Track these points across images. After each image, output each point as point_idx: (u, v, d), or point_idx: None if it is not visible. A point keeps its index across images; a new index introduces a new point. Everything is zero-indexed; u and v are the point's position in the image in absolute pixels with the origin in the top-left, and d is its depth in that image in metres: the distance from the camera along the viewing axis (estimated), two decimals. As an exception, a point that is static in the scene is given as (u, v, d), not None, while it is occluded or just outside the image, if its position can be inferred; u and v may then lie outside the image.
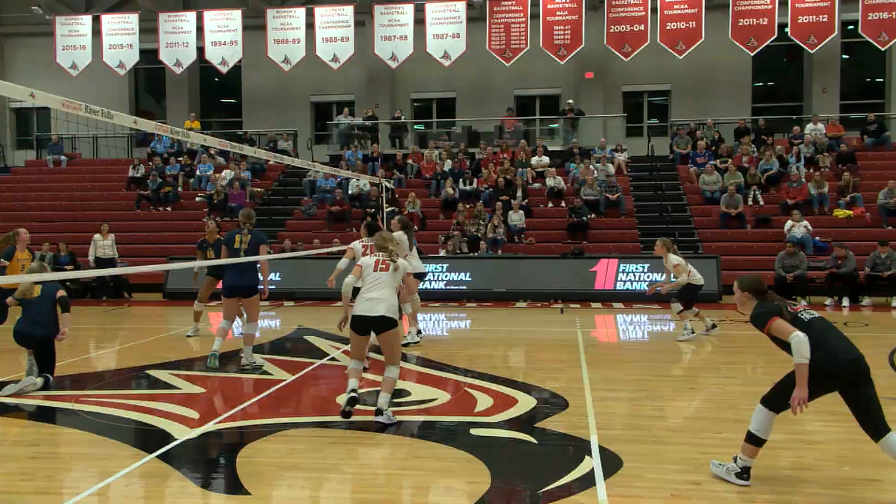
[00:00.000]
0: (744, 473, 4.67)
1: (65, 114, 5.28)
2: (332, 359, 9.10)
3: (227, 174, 20.82)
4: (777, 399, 4.64)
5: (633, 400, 6.98)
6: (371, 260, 6.35)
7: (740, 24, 21.36)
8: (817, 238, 16.17)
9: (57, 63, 23.67)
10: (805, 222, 16.31)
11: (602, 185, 18.86)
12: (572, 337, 10.81)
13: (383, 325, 6.04)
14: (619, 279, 15.46)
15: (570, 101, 22.81)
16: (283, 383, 7.68)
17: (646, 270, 15.45)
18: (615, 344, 11.20)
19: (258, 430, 5.93)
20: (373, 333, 6.19)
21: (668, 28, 21.64)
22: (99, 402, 6.93)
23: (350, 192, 19.85)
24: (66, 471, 5.10)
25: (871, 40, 21.00)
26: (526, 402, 6.75)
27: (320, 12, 22.99)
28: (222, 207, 19.79)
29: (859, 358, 4.48)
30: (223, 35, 23.31)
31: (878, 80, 23.66)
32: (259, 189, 21.29)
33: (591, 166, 19.52)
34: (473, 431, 5.87)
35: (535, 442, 5.62)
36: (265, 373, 8.24)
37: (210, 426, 6.05)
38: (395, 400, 6.87)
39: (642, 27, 21.72)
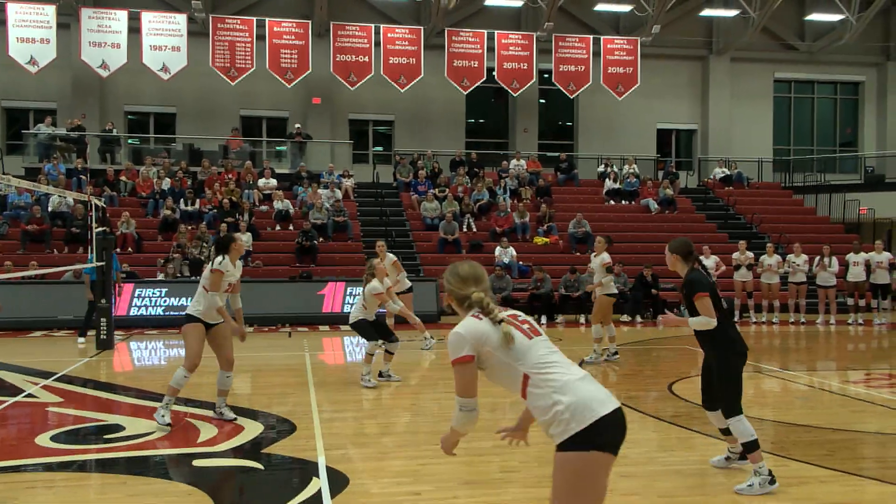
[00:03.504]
0: (770, 477, 4.91)
1: None
2: (30, 395, 8.13)
3: None
4: (733, 399, 5.04)
5: (358, 419, 7.21)
6: None
7: (455, 64, 23.20)
8: (521, 262, 18.02)
9: None
10: (511, 248, 18.09)
11: (330, 209, 19.18)
12: (301, 361, 10.83)
13: None
14: (346, 301, 15.80)
15: (298, 125, 22.92)
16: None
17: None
18: (343, 366, 11.43)
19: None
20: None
21: (390, 62, 22.78)
22: None
23: (50, 209, 17.89)
24: None
25: (562, 88, 24.07)
26: (252, 429, 6.64)
27: (14, 8, 20.59)
28: None
29: None
30: None
31: (568, 123, 27.10)
32: (-67, 204, 18.28)
33: (319, 190, 19.76)
34: (196, 462, 5.64)
35: (262, 468, 5.56)
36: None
37: None
38: (107, 436, 6.37)
39: (367, 59, 22.61)
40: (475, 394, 3.09)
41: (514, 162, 22.90)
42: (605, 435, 2.82)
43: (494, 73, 23.51)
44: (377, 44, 22.66)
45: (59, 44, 20.82)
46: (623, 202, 22.23)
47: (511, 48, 23.62)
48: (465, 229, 19.60)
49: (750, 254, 16.79)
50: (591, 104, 25.65)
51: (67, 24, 21.27)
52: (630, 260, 17.48)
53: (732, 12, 24.96)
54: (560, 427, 2.84)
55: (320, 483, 5.13)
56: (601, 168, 23.66)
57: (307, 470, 5.47)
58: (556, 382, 2.91)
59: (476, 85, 23.47)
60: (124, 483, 5.19)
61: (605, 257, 10.23)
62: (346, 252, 18.62)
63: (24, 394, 8.19)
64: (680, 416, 7.27)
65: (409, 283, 12.34)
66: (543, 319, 15.94)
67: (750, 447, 4.93)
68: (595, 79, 23.98)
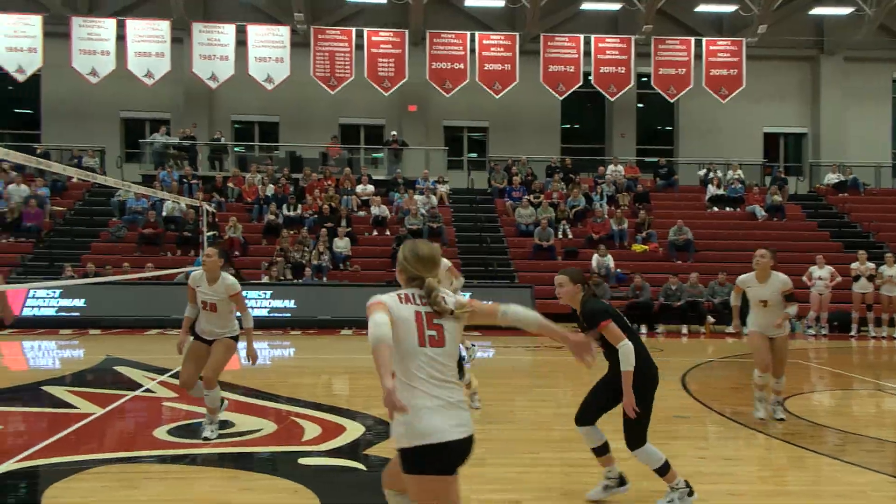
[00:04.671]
0: (689, 489, 4.74)
1: None
2: (148, 390, 8.60)
3: (19, 190, 18.98)
4: (638, 432, 4.73)
5: (455, 423, 7.23)
6: None
7: (550, 70, 23.05)
8: (618, 270, 17.67)
9: None
10: (609, 256, 17.76)
11: (425, 215, 19.41)
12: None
13: None
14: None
15: (394, 132, 23.32)
16: (93, 417, 7.15)
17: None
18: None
19: (65, 468, 5.48)
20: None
21: (485, 69, 22.85)
22: None
23: (164, 213, 18.89)
24: None
25: (661, 92, 23.50)
26: (353, 430, 6.79)
27: (133, 25, 21.85)
28: (17, 227, 18.03)
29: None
30: (20, 41, 21.44)
31: (668, 127, 26.41)
32: (60, 208, 19.65)
33: (415, 196, 20.04)
34: (302, 461, 5.82)
35: (365, 469, 5.67)
36: (70, 406, 7.62)
37: (8, 465, 5.51)
38: (220, 431, 6.65)
39: (462, 66, 22.77)
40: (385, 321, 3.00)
41: (611, 167, 22.52)
42: (431, 460, 3.00)
43: (591, 78, 23.21)
44: (472, 51, 22.80)
45: (173, 57, 21.97)
46: (727, 209, 21.47)
47: (608, 52, 23.25)
48: (559, 236, 19.40)
49: (870, 264, 15.83)
50: (692, 108, 24.92)
51: (180, 39, 22.42)
52: (734, 269, 16.83)
53: (845, 10, 23.68)
54: (397, 431, 3.04)
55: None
56: (703, 173, 22.93)
57: (407, 472, 5.53)
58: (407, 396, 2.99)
59: (572, 90, 23.23)
60: (235, 477, 5.41)
61: None
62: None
63: (143, 389, 8.66)
64: (792, 433, 6.93)
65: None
66: (643, 329, 15.55)
67: (662, 471, 4.70)
68: (696, 82, 23.28)
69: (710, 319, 15.89)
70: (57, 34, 21.54)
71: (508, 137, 24.93)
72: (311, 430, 6.79)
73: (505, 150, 24.35)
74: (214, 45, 22.08)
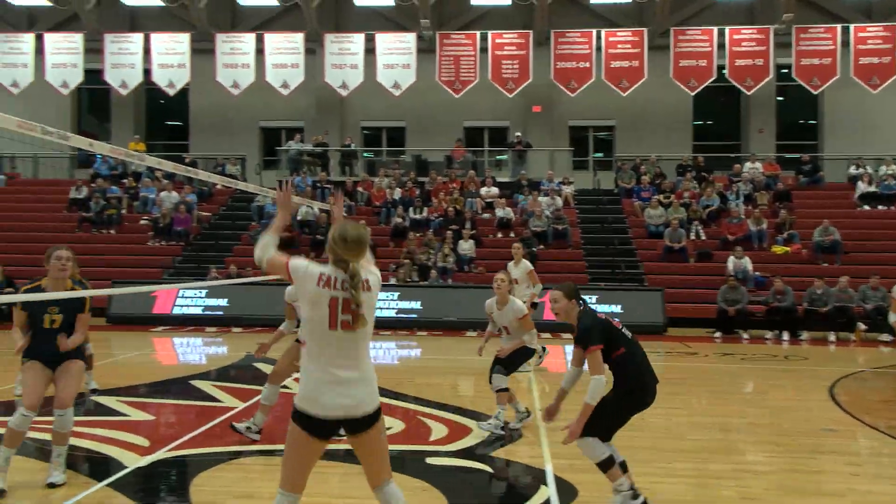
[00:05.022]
0: (633, 492, 4.70)
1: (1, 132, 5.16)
2: (284, 386, 8.98)
3: (169, 196, 20.44)
4: (591, 428, 4.66)
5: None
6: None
7: (681, 64, 22.21)
8: (757, 273, 16.75)
9: (-4, 80, 23.04)
10: (746, 258, 16.88)
11: (549, 216, 19.22)
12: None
13: None
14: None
15: (519, 133, 23.25)
16: (235, 410, 7.55)
17: (594, 302, 15.75)
18: (562, 374, 11.34)
19: (210, 458, 5.82)
20: None
21: (612, 66, 22.33)
22: (45, 428, 6.70)
23: (299, 217, 19.74)
24: (16, 500, 4.91)
25: (804, 84, 22.09)
26: (480, 431, 6.79)
27: (270, 38, 22.99)
28: (168, 231, 19.42)
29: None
30: (171, 58, 23.07)
31: (811, 122, 24.81)
32: (206, 213, 20.98)
33: (539, 198, 19.88)
34: (429, 460, 5.88)
35: (491, 471, 5.66)
36: (215, 400, 8.09)
37: (161, 454, 5.92)
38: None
39: (587, 64, 22.37)
40: (271, 270, 3.56)
41: (748, 165, 21.40)
42: (304, 423, 3.43)
43: (725, 72, 22.16)
44: (598, 48, 22.36)
45: (306, 68, 22.95)
46: (880, 207, 19.88)
47: (744, 44, 22.12)
48: (692, 237, 18.64)
49: None
50: (839, 99, 23.26)
51: (313, 50, 23.39)
52: (889, 273, 15.58)
53: None
54: (299, 388, 3.46)
55: (549, 492, 5.11)
56: (852, 170, 21.34)
57: (534, 476, 5.48)
58: (304, 371, 3.44)
59: (704, 85, 22.27)
60: (362, 474, 5.53)
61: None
62: (566, 259, 18.52)
63: (281, 385, 9.05)
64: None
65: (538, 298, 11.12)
66: (785, 335, 14.64)
67: (604, 466, 4.62)
68: (843, 72, 21.70)
69: (861, 326, 14.74)
70: (203, 50, 23.04)
71: (636, 136, 24.25)
72: (438, 431, 6.85)
73: (632, 149, 23.71)
74: (345, 55, 22.86)
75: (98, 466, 5.61)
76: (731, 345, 13.95)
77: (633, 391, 4.68)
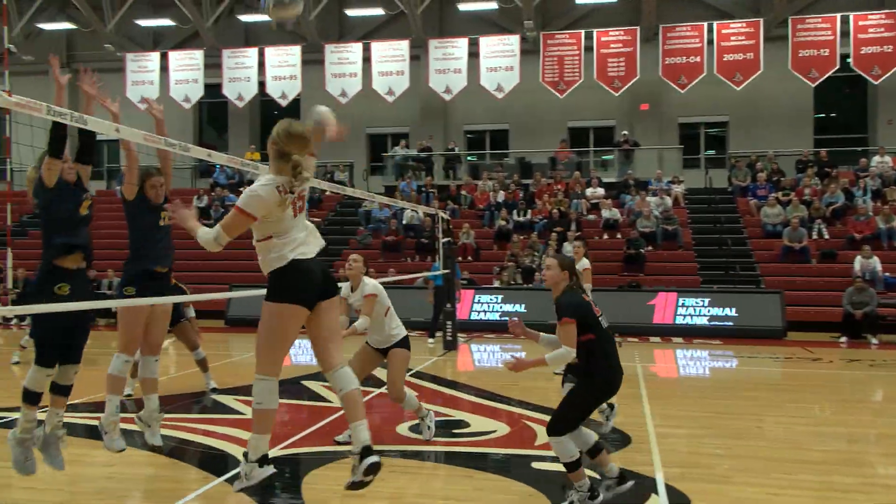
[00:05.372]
0: (591, 493, 4.66)
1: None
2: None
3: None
4: (563, 424, 4.65)
5: (694, 437, 6.83)
6: None
7: (800, 55, 21.06)
8: (887, 274, 15.65)
9: (126, 97, 24.64)
10: (875, 258, 15.80)
11: (658, 217, 18.67)
12: (631, 372, 10.64)
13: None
14: (678, 313, 15.20)
15: (625, 132, 22.73)
16: (343, 411, 7.72)
17: (706, 305, 15.16)
18: (675, 379, 10.99)
19: (321, 457, 5.99)
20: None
21: (724, 59, 21.46)
22: (165, 425, 7.10)
23: (404, 222, 20.06)
24: (140, 492, 5.22)
25: (938, 70, 20.48)
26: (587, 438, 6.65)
27: (376, 47, 23.51)
28: (280, 237, 20.21)
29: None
30: (283, 70, 24.00)
31: (947, 111, 22.95)
32: (316, 219, 21.67)
33: (648, 198, 19.35)
34: (535, 465, 5.82)
35: (599, 477, 5.53)
36: (324, 400, 8.32)
37: (274, 452, 6.13)
38: (454, 431, 6.88)
39: (698, 59, 21.59)
40: (232, 235, 4.10)
41: (876, 159, 20.05)
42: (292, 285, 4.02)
43: (850, 61, 20.84)
44: (710, 42, 21.53)
45: (411, 74, 23.33)
46: None
47: (871, 30, 20.73)
48: (814, 236, 17.65)
49: None
50: (981, 85, 21.41)
51: (417, 56, 23.75)
52: None
53: None
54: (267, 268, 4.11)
55: (660, 500, 4.94)
56: None
57: (644, 485, 5.31)
58: (279, 253, 4.05)
59: (826, 75, 21.03)
60: (470, 477, 5.54)
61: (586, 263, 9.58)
62: (676, 261, 17.94)
63: (385, 386, 9.22)
64: None
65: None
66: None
67: (571, 466, 4.56)
68: None
69: None
70: (312, 61, 23.84)
71: (751, 131, 23.21)
72: (544, 435, 6.75)
73: (747, 146, 22.71)
74: (449, 60, 23.07)
75: (216, 462, 5.89)
76: (858, 350, 13.09)
77: (595, 380, 4.67)
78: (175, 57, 24.75)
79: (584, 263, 10.39)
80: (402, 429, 6.97)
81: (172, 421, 7.30)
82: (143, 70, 24.82)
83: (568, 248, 17.75)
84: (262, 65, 24.04)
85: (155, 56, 24.98)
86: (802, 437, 6.83)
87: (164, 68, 24.57)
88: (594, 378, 4.67)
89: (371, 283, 6.49)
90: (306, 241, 4.12)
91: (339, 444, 6.27)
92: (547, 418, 7.35)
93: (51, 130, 4.56)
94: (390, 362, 6.42)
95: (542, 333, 5.06)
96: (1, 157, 24.29)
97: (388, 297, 6.50)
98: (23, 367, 10.50)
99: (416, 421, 6.82)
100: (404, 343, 6.47)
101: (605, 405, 7.08)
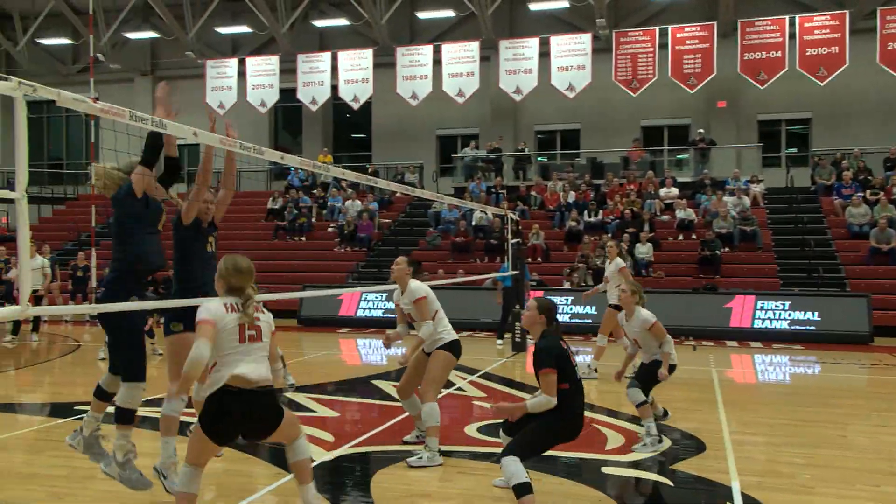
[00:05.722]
0: None
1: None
2: (459, 388, 9.17)
3: (354, 205, 21.59)
4: (523, 449, 4.57)
5: (772, 445, 6.59)
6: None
7: (889, 47, 20.07)
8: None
9: (205, 103, 25.49)
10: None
11: (736, 217, 18.11)
12: (706, 376, 10.36)
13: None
14: (756, 317, 14.70)
15: (701, 130, 22.14)
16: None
17: (786, 308, 14.62)
18: (753, 385, 10.63)
19: (389, 456, 6.04)
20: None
21: (807, 54, 20.64)
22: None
23: (474, 223, 20.07)
24: (213, 487, 5.38)
25: None
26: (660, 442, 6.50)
27: (447, 49, 23.60)
28: (352, 238, 20.53)
29: None
30: (355, 73, 24.35)
31: None
32: (386, 220, 21.94)
33: (724, 198, 18.79)
34: (605, 469, 5.72)
35: (671, 484, 5.40)
36: (394, 399, 8.39)
37: (344, 449, 6.23)
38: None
39: (779, 53, 20.84)
40: (206, 343, 3.91)
41: (972, 155, 18.93)
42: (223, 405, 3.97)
43: (943, 52, 19.75)
44: (791, 36, 20.75)
45: (481, 75, 23.33)
46: None
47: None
48: (903, 237, 16.78)
49: None
50: None
51: (487, 57, 23.73)
52: None
53: None
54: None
55: (734, 510, 4.79)
56: None
57: (717, 493, 5.16)
58: (217, 374, 3.99)
59: (918, 68, 19.98)
60: (538, 480, 5.47)
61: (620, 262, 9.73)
62: (755, 263, 17.37)
63: (455, 387, 9.24)
64: None
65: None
66: None
67: (520, 490, 4.38)
68: None
69: None
70: (384, 64, 24.12)
71: (836, 128, 22.28)
72: (614, 439, 6.66)
73: (831, 143, 21.80)
74: (519, 60, 22.95)
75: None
76: (952, 358, 12.37)
77: (562, 427, 4.68)
78: (252, 62, 25.44)
79: (618, 262, 10.33)
80: (471, 430, 6.97)
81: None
82: (221, 76, 25.60)
83: (641, 249, 17.45)
84: (334, 69, 24.46)
85: (233, 62, 25.74)
86: (890, 447, 6.51)
87: (242, 74, 25.28)
88: (561, 427, 4.67)
89: (418, 286, 6.23)
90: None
91: (406, 443, 6.31)
92: (619, 423, 7.26)
93: (147, 138, 4.65)
94: (431, 362, 6.08)
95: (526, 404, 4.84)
96: (86, 161, 25.43)
97: (436, 300, 6.27)
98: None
99: (486, 423, 6.80)
100: (450, 347, 6.13)
101: (660, 409, 6.92)
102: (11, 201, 3.27)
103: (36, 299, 13.92)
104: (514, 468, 4.46)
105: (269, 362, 4.20)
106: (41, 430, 7.04)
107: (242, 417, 3.98)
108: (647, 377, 6.56)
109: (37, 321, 14.38)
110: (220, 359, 4.01)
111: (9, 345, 13.61)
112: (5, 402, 8.76)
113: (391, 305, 16.84)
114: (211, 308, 4.03)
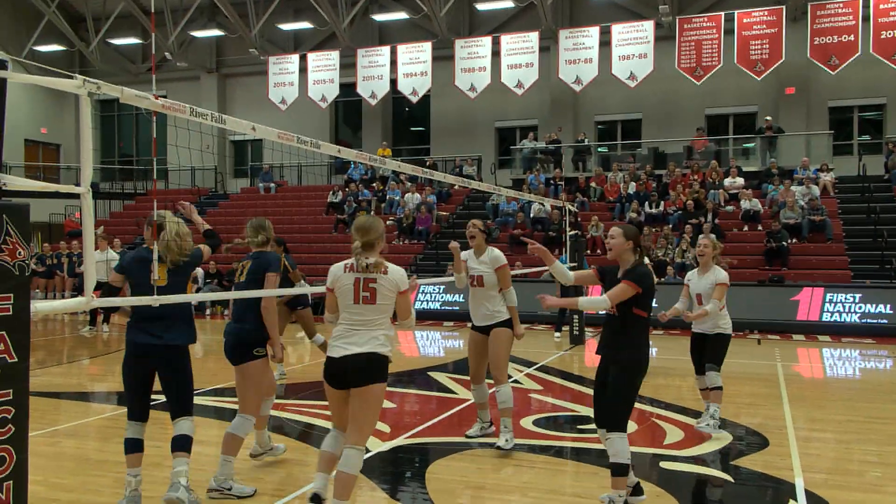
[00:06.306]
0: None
1: (272, 144, 5.71)
2: (515, 381, 9.14)
3: (413, 198, 21.72)
4: (621, 418, 4.49)
5: (841, 442, 6.37)
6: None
7: (972, 27, 19.05)
8: None
9: (269, 99, 25.98)
10: None
11: (804, 207, 17.51)
12: (772, 371, 10.07)
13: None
14: (825, 310, 14.21)
15: (768, 118, 21.46)
16: (468, 403, 7.81)
17: (857, 301, 14.08)
18: (821, 381, 10.28)
19: (445, 448, 6.08)
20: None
21: (882, 37, 19.74)
22: (298, 410, 7.46)
23: (532, 215, 19.94)
24: (273, 474, 5.50)
25: None
26: (721, 438, 6.36)
27: (506, 40, 23.45)
28: (411, 230, 20.65)
29: None
30: (414, 67, 24.43)
31: None
32: (444, 213, 21.98)
33: (792, 187, 18.19)
34: (663, 464, 5.63)
35: (732, 480, 5.28)
36: (450, 391, 8.42)
37: (400, 440, 6.29)
38: (580, 426, 6.78)
39: (852, 37, 20.00)
40: (334, 311, 4.31)
41: None
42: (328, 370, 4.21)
43: None
44: (865, 18, 19.88)
45: (540, 66, 23.11)
46: None
47: None
48: None
49: None
50: None
51: (546, 47, 23.49)
52: None
53: None
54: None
55: (798, 508, 4.65)
56: None
57: (781, 490, 5.02)
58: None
59: None
60: (596, 474, 5.44)
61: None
62: (824, 255, 16.76)
63: (512, 380, 9.22)
64: None
65: None
66: None
67: (622, 470, 4.35)
68: None
69: None
70: (442, 57, 24.14)
71: (913, 114, 21.27)
72: (674, 434, 6.54)
73: (907, 129, 20.83)
74: (579, 49, 22.63)
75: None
76: None
77: (639, 362, 4.51)
78: (313, 58, 25.79)
79: (718, 275, 9.65)
80: (527, 423, 6.95)
81: (302, 407, 7.65)
82: (283, 72, 26.04)
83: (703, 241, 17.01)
84: (393, 63, 24.59)
85: (294, 58, 26.14)
86: (968, 448, 6.20)
87: (303, 70, 25.66)
88: (639, 364, 4.51)
89: (501, 254, 6.28)
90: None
91: (469, 438, 6.30)
92: (679, 418, 7.13)
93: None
94: (493, 341, 6.05)
95: (580, 300, 4.87)
96: (148, 156, 26.23)
97: None
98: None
99: (543, 415, 6.76)
100: (507, 324, 6.11)
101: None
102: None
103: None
104: (621, 446, 4.42)
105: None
106: (111, 417, 7.32)
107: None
108: (719, 353, 6.59)
109: (108, 312, 14.94)
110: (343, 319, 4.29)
111: (87, 334, 14.21)
112: (78, 390, 9.15)
113: (449, 298, 16.95)
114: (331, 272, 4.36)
